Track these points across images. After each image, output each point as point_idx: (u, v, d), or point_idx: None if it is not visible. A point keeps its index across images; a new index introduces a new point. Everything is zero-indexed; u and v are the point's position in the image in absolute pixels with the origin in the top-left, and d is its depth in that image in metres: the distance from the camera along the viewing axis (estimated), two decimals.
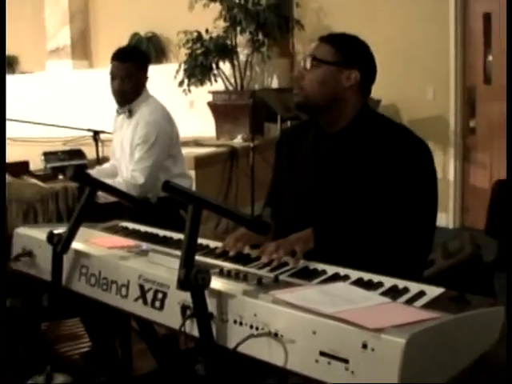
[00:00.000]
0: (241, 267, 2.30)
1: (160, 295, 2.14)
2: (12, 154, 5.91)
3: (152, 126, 4.28)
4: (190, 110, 9.31)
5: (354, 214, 2.56)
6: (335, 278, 2.17)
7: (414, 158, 2.55)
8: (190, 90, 8.80)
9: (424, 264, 2.68)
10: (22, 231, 2.98)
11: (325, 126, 2.75)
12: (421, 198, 2.55)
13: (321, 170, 2.71)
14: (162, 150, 4.30)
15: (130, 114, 4.39)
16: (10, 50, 12.72)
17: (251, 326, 1.84)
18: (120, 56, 4.43)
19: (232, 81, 9.08)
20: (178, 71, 8.78)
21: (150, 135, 4.26)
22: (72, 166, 3.82)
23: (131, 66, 4.41)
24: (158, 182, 4.20)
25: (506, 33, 6.75)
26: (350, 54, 2.66)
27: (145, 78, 4.49)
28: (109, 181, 4.12)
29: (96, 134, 5.18)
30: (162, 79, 8.08)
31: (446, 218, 8.05)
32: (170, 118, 4.47)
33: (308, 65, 2.67)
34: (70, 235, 2.56)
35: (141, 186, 4.22)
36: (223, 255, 2.50)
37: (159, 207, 4.20)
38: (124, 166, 4.46)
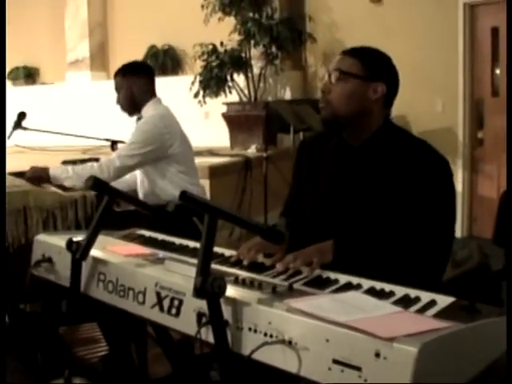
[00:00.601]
0: (255, 276, 2.30)
1: (176, 302, 2.13)
2: (32, 163, 5.92)
3: (147, 123, 4.32)
4: (205, 121, 9.33)
5: (374, 228, 2.53)
6: (348, 286, 2.16)
7: (435, 173, 2.53)
8: (205, 101, 8.84)
9: (441, 277, 2.65)
10: (42, 238, 2.98)
11: (348, 138, 2.71)
12: (440, 212, 2.53)
13: (342, 181, 2.68)
14: (153, 147, 4.26)
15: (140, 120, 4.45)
16: (32, 61, 12.83)
17: (265, 334, 1.83)
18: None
19: (246, 92, 9.11)
20: (193, 83, 8.82)
21: (143, 130, 4.30)
22: (91, 175, 3.82)
23: (118, 79, 4.51)
24: (177, 190, 4.22)
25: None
26: (376, 68, 2.62)
27: (138, 84, 4.47)
28: (81, 166, 4.17)
29: (113, 143, 5.17)
30: (178, 90, 8.13)
31: None
32: (172, 119, 4.47)
33: (334, 78, 2.61)
34: (89, 243, 2.56)
35: (114, 170, 4.21)
36: (238, 264, 2.49)
37: (175, 215, 4.19)
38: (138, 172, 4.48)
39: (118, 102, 4.53)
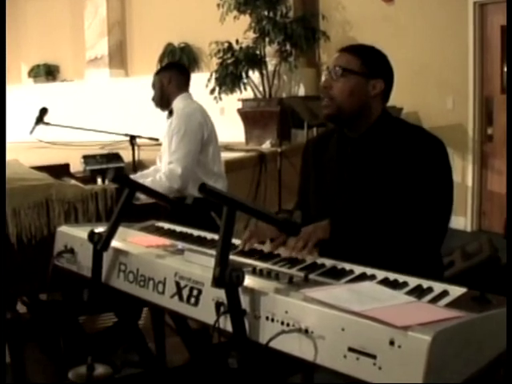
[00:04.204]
0: (272, 266, 2.30)
1: (195, 292, 2.14)
2: (53, 157, 5.96)
3: (183, 117, 4.40)
4: (220, 117, 9.32)
5: (373, 208, 2.59)
6: (362, 277, 2.16)
7: (430, 154, 2.58)
8: (220, 98, 8.86)
9: (439, 251, 2.72)
10: (64, 230, 3.00)
11: (347, 131, 2.77)
12: (437, 191, 2.57)
13: (346, 173, 2.73)
14: (195, 139, 4.37)
15: (170, 113, 4.51)
16: (52, 59, 12.89)
17: (282, 323, 1.84)
18: None
19: (261, 89, 9.12)
20: (209, 80, 8.84)
21: (181, 126, 4.35)
22: (112, 168, 3.85)
23: (154, 78, 4.74)
24: (198, 180, 4.25)
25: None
26: (374, 65, 2.69)
27: (168, 78, 4.63)
28: (150, 178, 4.22)
29: (132, 138, 5.20)
30: (194, 87, 8.09)
31: (464, 222, 8.02)
32: (205, 114, 4.54)
33: (336, 75, 2.67)
34: (110, 234, 2.57)
35: (180, 177, 4.28)
36: (254, 254, 2.50)
37: (194, 208, 4.22)
38: (163, 160, 4.53)
39: (153, 98, 4.71)
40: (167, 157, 4.40)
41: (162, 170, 4.41)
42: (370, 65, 2.67)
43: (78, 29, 12.38)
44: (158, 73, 4.71)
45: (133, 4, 12.02)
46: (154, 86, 4.69)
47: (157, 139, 5.01)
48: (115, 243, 2.61)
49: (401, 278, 2.12)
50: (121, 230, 2.66)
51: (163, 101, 4.61)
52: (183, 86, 4.64)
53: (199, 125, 4.40)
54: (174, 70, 4.71)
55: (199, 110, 4.53)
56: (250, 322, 1.94)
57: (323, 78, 2.75)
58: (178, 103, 4.53)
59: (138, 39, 11.94)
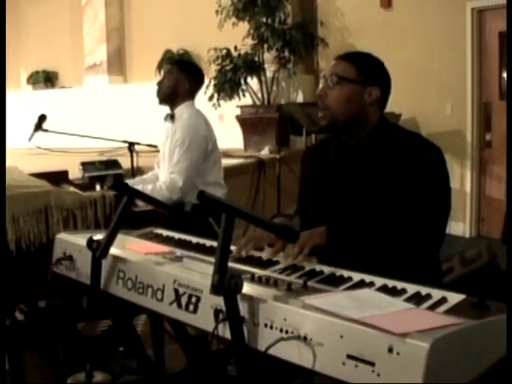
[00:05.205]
0: (271, 273, 2.30)
1: (194, 299, 2.14)
2: (51, 164, 5.95)
3: (188, 129, 4.34)
4: (219, 123, 9.30)
5: (369, 213, 2.60)
6: (361, 284, 2.17)
7: (427, 162, 2.58)
8: (219, 104, 8.86)
9: (437, 257, 2.73)
10: (63, 237, 2.99)
11: (346, 139, 2.77)
12: (434, 198, 2.58)
13: (344, 180, 2.73)
14: (198, 152, 4.33)
15: (172, 118, 4.46)
16: (51, 66, 12.90)
17: (281, 330, 1.83)
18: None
19: (259, 95, 9.14)
20: (208, 86, 8.81)
21: (185, 138, 4.30)
22: (110, 175, 3.85)
23: (174, 68, 4.62)
24: (195, 189, 4.23)
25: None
26: (370, 72, 2.69)
27: (185, 84, 4.53)
28: (149, 186, 4.19)
29: (131, 145, 5.19)
30: None
31: (462, 228, 8.02)
32: (209, 125, 4.51)
33: (332, 83, 2.67)
34: (109, 241, 2.57)
35: (180, 189, 4.25)
36: (252, 261, 2.50)
37: (192, 215, 4.22)
38: (162, 169, 4.50)
39: (159, 84, 4.61)
40: (167, 165, 4.38)
41: (161, 179, 4.40)
42: (366, 72, 2.67)
43: (77, 35, 12.40)
44: (182, 69, 4.60)
45: (132, 10, 12.03)
46: (167, 74, 4.63)
47: (155, 146, 5.00)
48: (114, 250, 2.61)
49: (399, 284, 2.12)
50: (119, 237, 2.66)
51: (167, 97, 4.53)
52: (193, 94, 4.61)
53: (204, 138, 4.36)
54: (196, 79, 4.64)
55: (203, 121, 4.50)
56: (248, 329, 1.94)
57: (320, 86, 2.75)
58: (181, 111, 4.47)
59: (136, 46, 11.95)
